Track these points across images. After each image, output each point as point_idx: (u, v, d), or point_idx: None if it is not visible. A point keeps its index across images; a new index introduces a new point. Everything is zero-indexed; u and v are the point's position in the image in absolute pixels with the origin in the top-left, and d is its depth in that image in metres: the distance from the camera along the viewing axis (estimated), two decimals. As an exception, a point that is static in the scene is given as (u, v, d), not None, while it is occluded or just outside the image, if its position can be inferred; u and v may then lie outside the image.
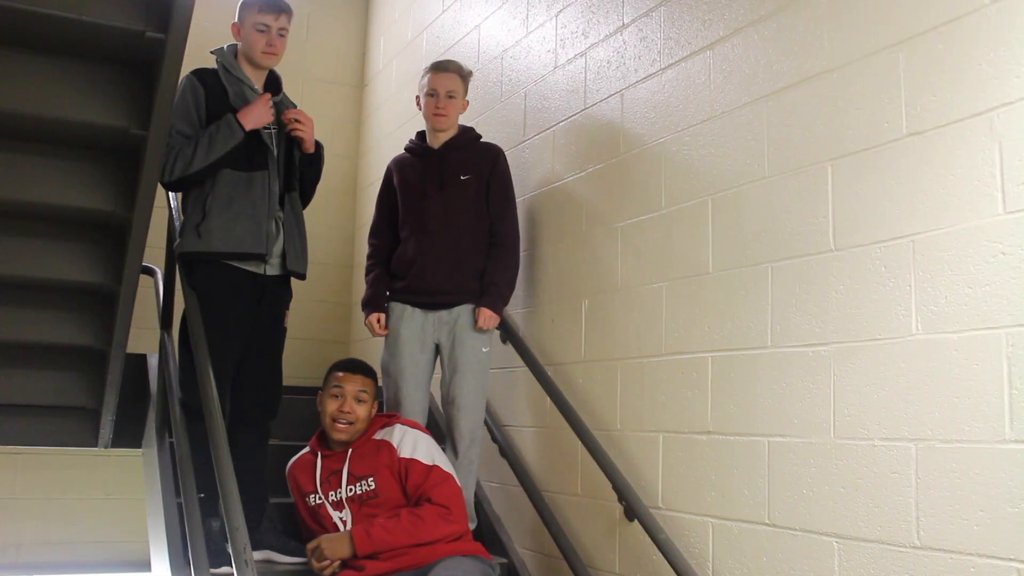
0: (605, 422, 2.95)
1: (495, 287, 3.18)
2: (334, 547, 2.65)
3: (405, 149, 3.41)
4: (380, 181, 3.42)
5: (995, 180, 1.87)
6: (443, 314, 3.18)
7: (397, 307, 3.23)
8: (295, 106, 3.13)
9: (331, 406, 2.80)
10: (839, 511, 2.12)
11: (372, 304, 3.26)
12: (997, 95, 1.88)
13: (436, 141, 3.30)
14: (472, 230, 3.23)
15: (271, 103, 2.91)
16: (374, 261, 3.35)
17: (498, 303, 3.17)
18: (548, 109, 3.46)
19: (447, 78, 3.24)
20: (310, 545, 2.69)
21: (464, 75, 3.29)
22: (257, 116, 2.86)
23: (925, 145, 2.02)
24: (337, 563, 2.68)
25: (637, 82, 2.96)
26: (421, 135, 3.38)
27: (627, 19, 3.04)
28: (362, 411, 2.81)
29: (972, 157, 1.92)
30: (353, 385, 2.82)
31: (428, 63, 3.37)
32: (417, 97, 3.33)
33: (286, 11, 2.97)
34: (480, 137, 3.41)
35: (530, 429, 3.38)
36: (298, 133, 2.96)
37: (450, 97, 3.23)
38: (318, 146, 3.07)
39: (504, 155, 3.38)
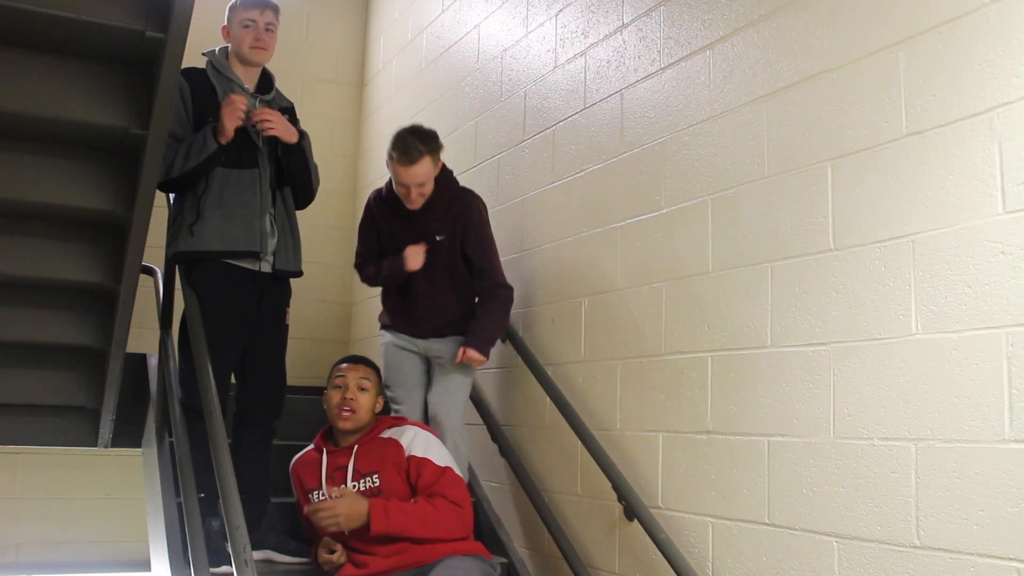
0: (605, 422, 2.95)
1: (484, 332, 3.16)
2: (350, 513, 2.58)
3: (384, 196, 3.28)
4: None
5: (995, 180, 1.87)
6: (434, 339, 3.26)
7: (389, 332, 3.31)
8: (290, 104, 3.14)
9: (335, 397, 2.84)
10: (839, 511, 2.12)
11: (393, 261, 3.20)
12: (997, 95, 1.88)
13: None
14: (453, 286, 3.24)
15: (239, 105, 2.82)
16: (372, 263, 3.32)
17: (485, 346, 3.15)
18: (548, 109, 3.46)
19: (417, 171, 3.05)
20: (319, 504, 2.62)
21: (435, 152, 3.10)
22: (227, 125, 2.80)
23: (925, 145, 2.02)
24: (343, 557, 2.69)
25: (637, 82, 2.96)
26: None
27: (627, 19, 3.04)
28: (364, 399, 2.84)
29: (972, 157, 1.92)
30: (355, 374, 2.87)
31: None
32: (387, 162, 3.14)
33: (271, 7, 2.98)
34: (457, 184, 3.29)
35: (530, 429, 3.38)
36: (269, 131, 2.91)
37: (421, 185, 3.10)
38: (301, 135, 3.02)
39: (479, 202, 3.29)
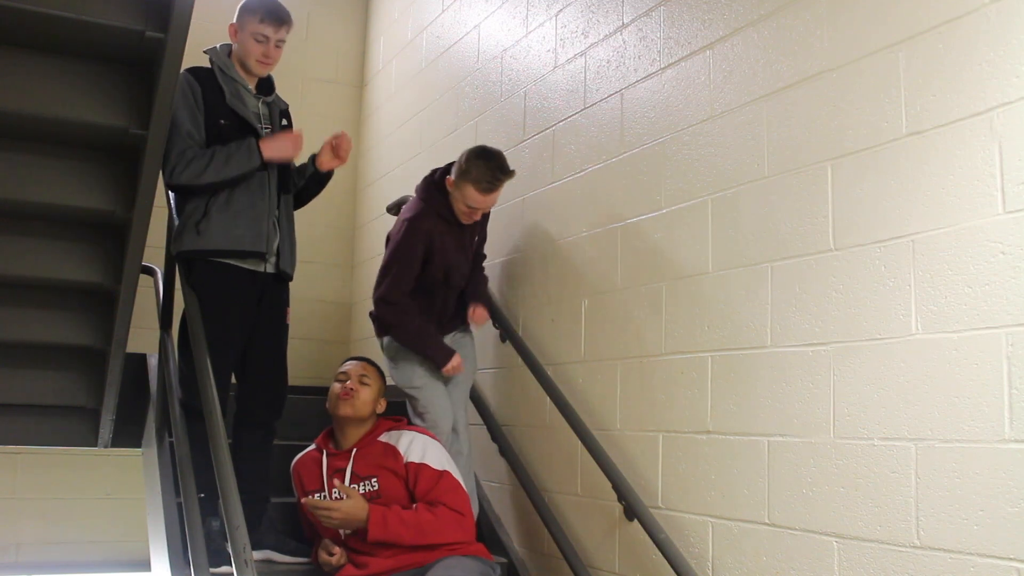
0: (605, 422, 2.95)
1: (485, 292, 3.47)
2: (347, 516, 2.60)
3: (438, 213, 3.17)
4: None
5: (995, 180, 1.87)
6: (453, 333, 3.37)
7: None
8: (286, 106, 3.13)
9: (335, 388, 2.89)
10: (839, 511, 2.12)
11: (445, 351, 3.17)
12: (997, 95, 1.88)
13: None
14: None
15: (300, 143, 2.94)
16: (411, 314, 3.18)
17: (487, 301, 3.44)
18: (548, 109, 3.46)
19: (495, 197, 3.12)
20: (321, 501, 2.64)
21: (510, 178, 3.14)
22: (279, 149, 2.86)
23: (925, 145, 2.02)
24: (343, 558, 2.69)
25: (637, 82, 2.96)
26: (443, 191, 3.17)
27: (627, 19, 3.04)
28: (365, 392, 2.86)
29: (972, 157, 1.92)
30: (357, 370, 2.92)
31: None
32: (449, 179, 3.12)
33: (287, 23, 2.96)
34: None
35: (530, 429, 3.38)
36: (336, 161, 3.09)
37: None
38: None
39: None
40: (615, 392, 2.92)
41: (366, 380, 2.89)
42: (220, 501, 2.29)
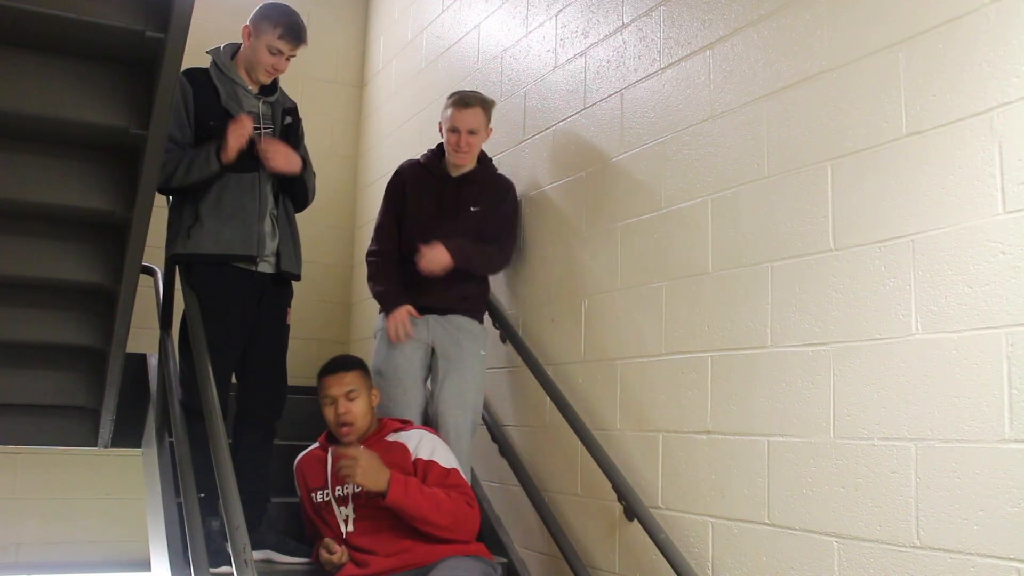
0: (605, 422, 2.95)
1: (465, 247, 3.19)
2: (369, 468, 2.54)
3: (422, 163, 3.37)
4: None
5: (995, 180, 1.87)
6: (438, 316, 3.22)
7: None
8: (293, 104, 3.14)
9: (330, 415, 2.81)
10: (839, 511, 2.12)
11: (393, 298, 3.18)
12: (997, 95, 1.88)
13: (455, 170, 3.32)
14: None
15: (245, 131, 2.82)
16: (382, 258, 3.28)
17: (456, 252, 3.15)
18: (548, 109, 3.46)
19: (470, 115, 3.20)
20: (345, 449, 2.59)
21: (487, 107, 3.27)
22: (231, 146, 2.79)
23: (925, 145, 2.02)
24: (344, 557, 2.69)
25: (637, 82, 2.96)
26: (440, 152, 3.35)
27: (627, 19, 3.04)
28: (357, 407, 2.80)
29: (972, 157, 1.92)
30: (340, 387, 2.80)
31: (449, 91, 3.40)
32: (440, 124, 3.31)
33: (304, 42, 2.98)
34: (496, 169, 3.45)
35: (530, 429, 3.38)
36: (273, 168, 2.92)
37: (472, 134, 3.21)
38: (304, 165, 3.03)
39: (515, 191, 3.44)
40: (615, 392, 2.92)
41: (352, 395, 2.80)
42: (220, 501, 2.30)
